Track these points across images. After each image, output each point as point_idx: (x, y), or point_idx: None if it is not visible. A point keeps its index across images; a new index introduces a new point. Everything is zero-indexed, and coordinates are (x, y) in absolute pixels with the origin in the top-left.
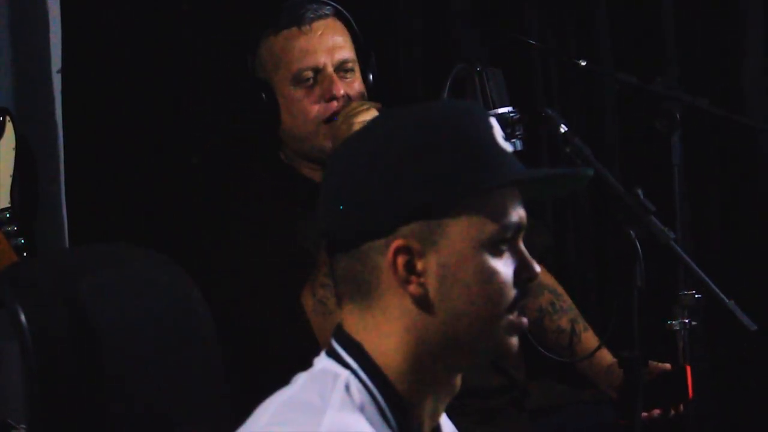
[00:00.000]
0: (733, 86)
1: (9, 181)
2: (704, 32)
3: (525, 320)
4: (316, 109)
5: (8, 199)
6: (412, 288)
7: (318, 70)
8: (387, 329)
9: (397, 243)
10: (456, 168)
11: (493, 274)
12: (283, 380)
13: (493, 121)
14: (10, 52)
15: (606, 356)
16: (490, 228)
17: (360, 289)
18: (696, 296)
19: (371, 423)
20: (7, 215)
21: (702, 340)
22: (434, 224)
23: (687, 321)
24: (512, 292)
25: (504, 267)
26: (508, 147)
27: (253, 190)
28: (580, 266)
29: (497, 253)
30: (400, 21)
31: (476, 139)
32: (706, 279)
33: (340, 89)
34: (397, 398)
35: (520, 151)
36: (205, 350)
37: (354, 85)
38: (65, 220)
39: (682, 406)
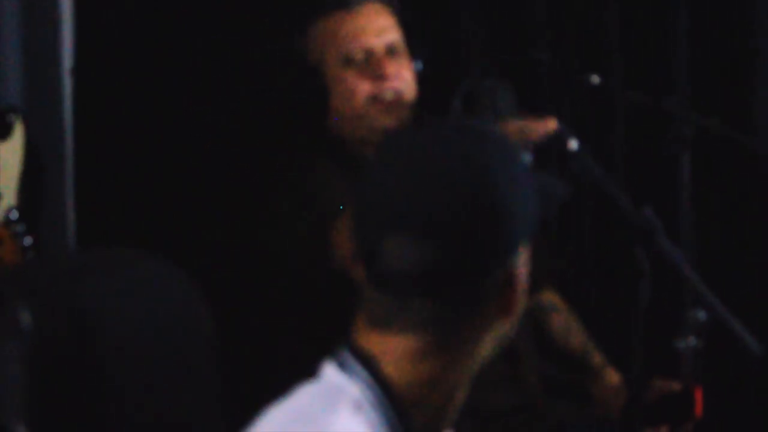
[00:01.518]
0: (743, 109)
1: (17, 180)
2: (716, 53)
3: None
4: (366, 88)
5: (16, 198)
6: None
7: (368, 52)
8: (407, 348)
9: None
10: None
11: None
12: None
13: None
14: (20, 51)
15: (613, 376)
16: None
17: (434, 331)
18: (703, 316)
19: None
20: (15, 215)
21: (706, 361)
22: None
23: (693, 341)
24: None
25: None
26: None
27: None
28: (582, 284)
29: None
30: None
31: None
32: (714, 300)
33: (391, 68)
34: (404, 417)
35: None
36: (204, 358)
37: (403, 69)
38: (71, 221)
39: (689, 426)
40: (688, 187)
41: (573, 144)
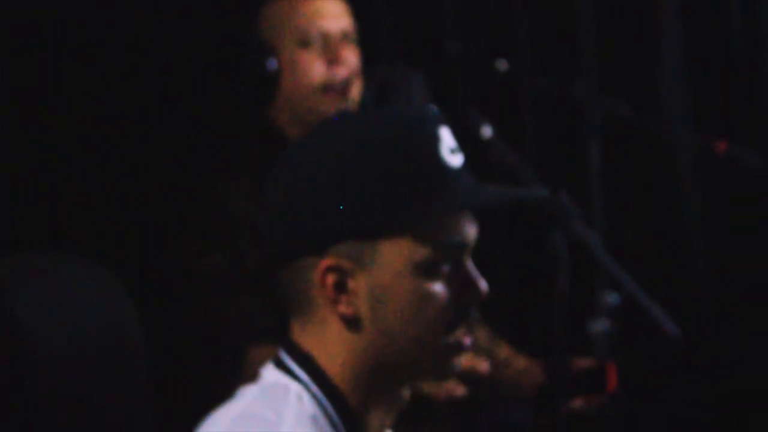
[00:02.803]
0: (649, 90)
1: None
2: (622, 36)
3: (467, 340)
4: (322, 71)
5: None
6: (342, 308)
7: (325, 35)
8: (330, 343)
9: (327, 262)
10: (385, 190)
11: (428, 297)
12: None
13: (443, 131)
14: None
15: (522, 361)
16: (425, 251)
17: (299, 303)
18: (615, 299)
19: None
20: None
21: (621, 343)
22: (367, 245)
23: (605, 324)
24: (449, 315)
25: (442, 288)
26: (455, 161)
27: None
28: (498, 270)
29: (435, 275)
30: None
31: (413, 156)
32: (631, 283)
33: (346, 54)
34: (347, 411)
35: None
36: (133, 359)
37: (355, 56)
38: None
39: (603, 399)
40: (598, 171)
41: (486, 131)
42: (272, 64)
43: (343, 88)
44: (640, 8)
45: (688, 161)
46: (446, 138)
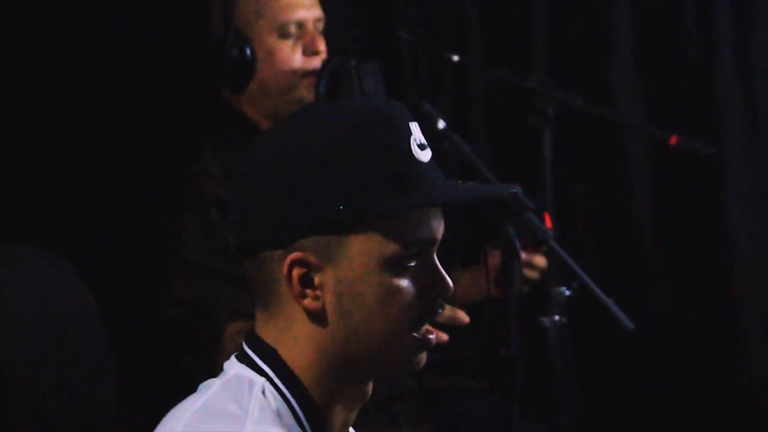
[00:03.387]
0: (600, 82)
1: None
2: (574, 28)
3: (432, 337)
4: (299, 61)
5: None
6: (308, 302)
7: (301, 25)
8: (294, 337)
9: (293, 256)
10: (358, 184)
11: (394, 292)
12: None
13: (413, 126)
14: None
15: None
16: (392, 246)
17: (264, 296)
18: (566, 293)
19: (289, 430)
20: None
21: (573, 337)
22: (333, 239)
23: (557, 318)
24: (415, 310)
25: (408, 284)
26: (424, 156)
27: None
28: (452, 263)
29: (402, 270)
30: None
31: (384, 150)
32: (585, 277)
33: (321, 45)
34: (312, 405)
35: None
36: (95, 350)
37: (325, 46)
38: None
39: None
40: (550, 162)
41: (440, 123)
42: (250, 52)
43: (316, 76)
44: (593, 2)
45: (640, 153)
46: (416, 133)
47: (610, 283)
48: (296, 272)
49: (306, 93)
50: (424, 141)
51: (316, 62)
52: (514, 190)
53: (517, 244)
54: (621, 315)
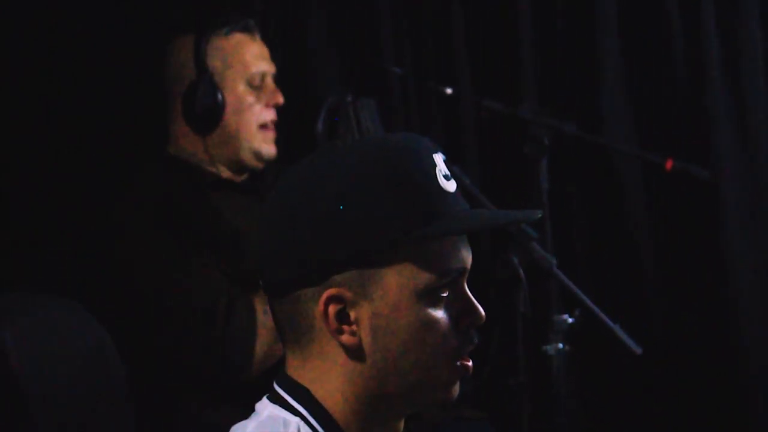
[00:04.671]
0: (590, 108)
1: None
2: (563, 58)
3: (470, 364)
4: (261, 112)
5: None
6: (345, 338)
7: (263, 77)
8: (328, 375)
9: (329, 292)
10: (389, 215)
11: (430, 324)
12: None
13: (438, 157)
14: None
15: None
16: (426, 277)
17: (297, 336)
18: (569, 321)
19: None
20: None
21: (578, 364)
22: (367, 273)
23: (560, 346)
24: (453, 341)
25: (443, 315)
26: (450, 186)
27: (176, 195)
28: None
29: (436, 301)
30: None
31: (413, 182)
32: (591, 304)
33: (279, 98)
34: None
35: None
36: (116, 394)
37: (282, 98)
38: None
39: None
40: (547, 191)
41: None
42: (221, 99)
43: (274, 128)
44: (580, 30)
45: (634, 176)
46: (440, 164)
47: (613, 308)
48: (332, 309)
49: (264, 145)
50: (448, 172)
51: (273, 115)
52: (539, 215)
53: (522, 274)
54: (628, 341)
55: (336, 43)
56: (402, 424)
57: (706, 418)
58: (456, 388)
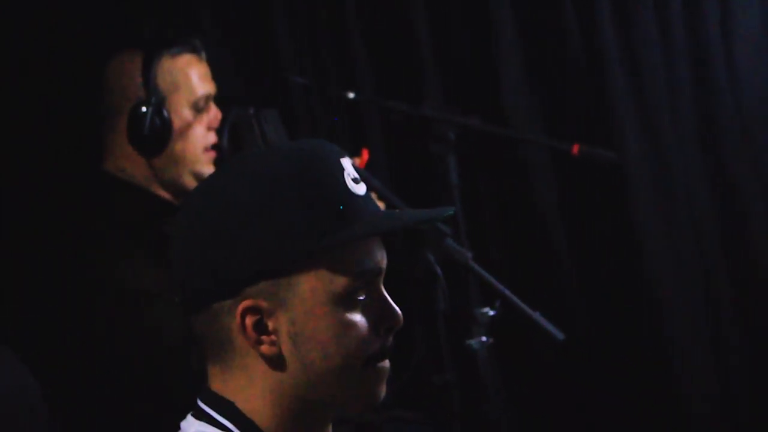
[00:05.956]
0: (493, 100)
1: None
2: (461, 52)
3: (386, 364)
4: (205, 135)
5: None
6: (264, 348)
7: (208, 99)
8: (252, 387)
9: (244, 304)
10: (299, 224)
11: (347, 327)
12: None
13: (345, 161)
14: None
15: None
16: (341, 280)
17: (217, 350)
18: (490, 313)
19: None
20: None
21: (503, 356)
22: (282, 282)
23: (484, 339)
24: (372, 343)
25: (361, 317)
26: (359, 189)
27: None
28: None
29: (353, 305)
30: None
31: (321, 187)
32: (510, 294)
33: (218, 119)
34: None
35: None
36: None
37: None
38: None
39: None
40: (457, 186)
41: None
42: (169, 123)
43: (214, 148)
44: (477, 22)
45: (542, 165)
46: (348, 168)
47: (532, 297)
48: (249, 320)
49: (207, 168)
50: (357, 175)
51: (215, 137)
52: (450, 212)
53: (439, 270)
54: (550, 328)
55: (234, 55)
56: (330, 429)
57: (632, 398)
58: (381, 391)
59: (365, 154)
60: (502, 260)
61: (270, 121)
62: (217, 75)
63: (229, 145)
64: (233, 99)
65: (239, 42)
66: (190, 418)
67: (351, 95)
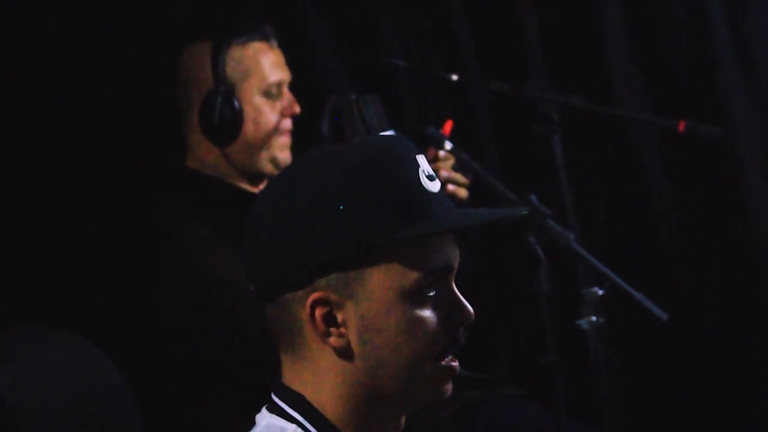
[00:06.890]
0: (599, 79)
1: None
2: (566, 30)
3: (456, 364)
4: (278, 121)
5: None
6: (333, 340)
7: (280, 86)
8: (321, 379)
9: (314, 295)
10: (372, 217)
11: (416, 323)
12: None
13: (421, 158)
14: None
15: None
16: (411, 276)
17: (289, 341)
18: (599, 293)
19: None
20: None
21: (610, 336)
22: (352, 275)
23: (594, 318)
24: (440, 339)
25: (430, 314)
26: (433, 186)
27: (197, 210)
28: (480, 281)
29: (422, 300)
30: None
31: (396, 182)
32: (612, 275)
33: (295, 107)
34: None
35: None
36: (127, 424)
37: (298, 107)
38: None
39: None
40: (563, 166)
41: (447, 145)
42: (239, 110)
43: (290, 134)
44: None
45: (649, 144)
46: (423, 165)
47: (639, 277)
48: (319, 312)
49: (280, 153)
50: (432, 172)
51: (290, 124)
52: (524, 212)
53: (540, 252)
54: (653, 308)
55: (336, 41)
56: (402, 422)
57: (739, 382)
58: (447, 388)
59: (449, 125)
60: (611, 240)
61: (371, 106)
62: (317, 61)
63: (329, 132)
64: (335, 85)
65: (341, 27)
66: (264, 410)
67: (454, 77)
